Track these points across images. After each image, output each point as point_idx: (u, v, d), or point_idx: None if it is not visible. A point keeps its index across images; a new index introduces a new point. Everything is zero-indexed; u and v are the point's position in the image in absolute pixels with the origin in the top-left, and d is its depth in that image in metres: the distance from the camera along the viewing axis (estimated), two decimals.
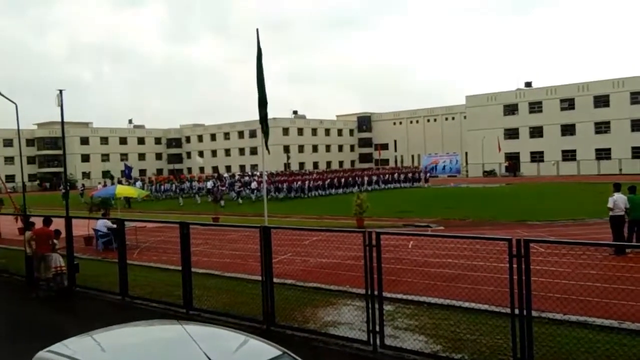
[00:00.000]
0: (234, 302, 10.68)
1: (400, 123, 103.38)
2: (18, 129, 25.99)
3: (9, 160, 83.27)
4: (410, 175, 55.75)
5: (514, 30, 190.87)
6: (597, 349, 7.33)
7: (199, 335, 4.15)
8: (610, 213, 15.47)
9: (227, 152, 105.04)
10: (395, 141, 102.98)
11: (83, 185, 59.04)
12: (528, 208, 28.08)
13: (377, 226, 20.81)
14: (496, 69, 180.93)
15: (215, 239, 19.14)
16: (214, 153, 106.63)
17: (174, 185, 50.05)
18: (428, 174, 59.92)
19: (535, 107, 75.17)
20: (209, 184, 45.06)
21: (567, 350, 7.33)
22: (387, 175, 53.99)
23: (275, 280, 9.44)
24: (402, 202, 35.64)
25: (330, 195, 44.90)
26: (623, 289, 10.41)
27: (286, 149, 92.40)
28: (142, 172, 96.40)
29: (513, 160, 75.00)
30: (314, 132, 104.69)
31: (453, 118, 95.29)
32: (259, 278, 9.38)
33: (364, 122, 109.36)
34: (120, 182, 51.35)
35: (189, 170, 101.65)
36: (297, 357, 4.24)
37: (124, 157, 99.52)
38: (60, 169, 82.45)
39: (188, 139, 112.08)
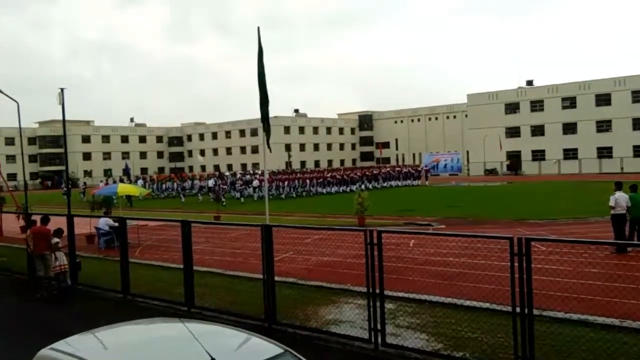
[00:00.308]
0: (235, 300, 10.70)
1: (402, 121, 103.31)
2: (20, 127, 26.06)
3: (11, 158, 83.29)
4: (411, 173, 55.75)
5: (515, 28, 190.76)
6: (598, 347, 7.34)
7: (201, 333, 4.15)
8: (612, 212, 15.46)
9: (229, 150, 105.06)
10: (396, 140, 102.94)
11: (85, 183, 59.05)
12: (529, 207, 28.07)
13: (379, 224, 20.80)
14: (497, 68, 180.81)
15: (217, 237, 19.16)
16: (215, 151, 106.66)
17: (175, 184, 50.09)
18: (428, 173, 59.87)
19: (537, 105, 75.08)
20: (211, 183, 45.07)
21: (568, 349, 7.34)
22: (387, 174, 53.97)
23: (276, 278, 9.46)
24: (403, 200, 35.65)
25: (331, 194, 44.92)
26: (624, 287, 10.42)
27: (287, 147, 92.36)
28: (144, 170, 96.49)
29: (514, 158, 74.93)
30: (315, 130, 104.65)
31: (454, 116, 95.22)
32: (261, 276, 9.40)
33: (365, 120, 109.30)
34: (122, 181, 51.38)
35: (191, 168, 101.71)
36: (298, 355, 4.25)
37: (125, 155, 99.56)
38: (62, 167, 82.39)
39: (189, 138, 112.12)
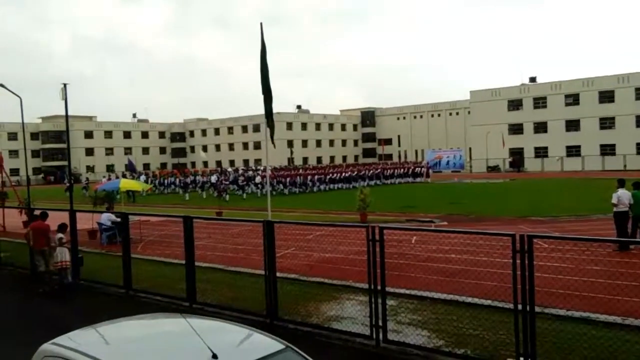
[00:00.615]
0: (237, 296, 10.72)
1: (404, 118, 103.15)
2: (22, 123, 26.11)
3: (14, 153, 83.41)
4: (413, 170, 55.74)
5: (518, 25, 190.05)
6: (600, 345, 7.33)
7: (203, 329, 4.16)
8: (614, 209, 15.41)
9: (231, 146, 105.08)
10: (399, 136, 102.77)
11: (87, 179, 59.17)
12: (532, 204, 28.03)
13: (381, 221, 20.79)
14: (500, 65, 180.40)
15: (219, 233, 19.17)
16: (217, 147, 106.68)
17: (177, 180, 50.14)
18: (429, 169, 59.85)
19: (540, 102, 74.90)
20: (213, 179, 45.08)
21: (569, 346, 7.33)
22: (390, 170, 53.98)
23: (278, 274, 9.47)
24: (405, 197, 35.64)
25: (333, 190, 44.94)
26: (626, 285, 10.41)
27: (290, 143, 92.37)
28: (146, 166, 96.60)
29: (517, 155, 74.82)
30: (318, 126, 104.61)
31: (457, 113, 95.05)
32: (262, 272, 9.41)
33: (368, 117, 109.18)
34: (124, 176, 51.44)
35: (193, 164, 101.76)
36: (300, 351, 4.25)
37: (127, 151, 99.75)
38: (65, 163, 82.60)
39: (192, 133, 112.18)
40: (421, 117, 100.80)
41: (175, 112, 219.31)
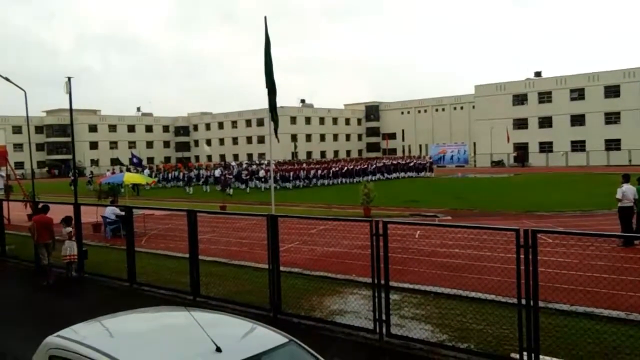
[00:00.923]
0: (240, 289, 10.74)
1: (408, 112, 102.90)
2: (27, 116, 26.12)
3: (18, 147, 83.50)
4: (416, 164, 55.67)
5: (523, 19, 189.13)
6: (604, 340, 7.32)
7: (206, 322, 4.17)
8: (619, 204, 15.37)
9: (235, 140, 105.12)
10: (403, 131, 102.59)
11: (91, 172, 59.28)
12: (536, 199, 27.97)
13: (384, 215, 20.80)
14: (505, 59, 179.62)
15: (223, 227, 19.19)
16: (221, 141, 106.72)
17: (182, 174, 50.22)
18: (432, 164, 59.74)
19: (545, 97, 74.59)
20: (217, 173, 45.13)
21: (573, 341, 7.32)
22: (394, 165, 53.90)
23: (282, 268, 9.48)
24: (409, 191, 35.59)
25: (337, 184, 44.92)
26: (631, 280, 10.39)
27: (293, 137, 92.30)
28: (150, 160, 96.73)
29: (521, 150, 74.59)
30: (322, 121, 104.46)
31: (462, 108, 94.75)
32: (266, 266, 9.43)
33: (372, 111, 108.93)
34: (128, 170, 51.54)
35: (197, 158, 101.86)
36: (303, 345, 4.26)
37: (132, 144, 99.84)
38: (69, 156, 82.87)
39: (196, 127, 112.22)
40: (425, 111, 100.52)
41: (179, 106, 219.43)
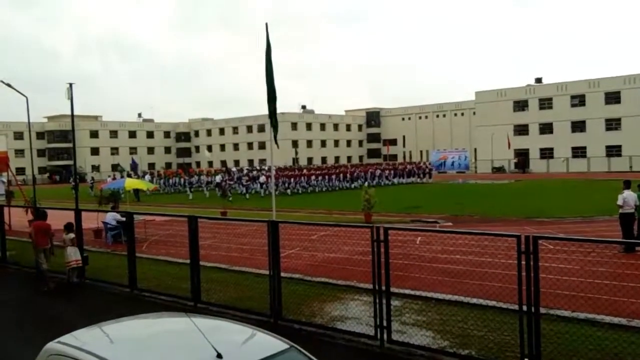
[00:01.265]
0: (241, 295, 10.73)
1: (409, 118, 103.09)
2: (28, 122, 26.22)
3: (19, 152, 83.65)
4: (417, 170, 55.70)
5: (524, 25, 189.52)
6: (606, 346, 7.30)
7: (207, 328, 4.16)
8: (620, 210, 15.37)
9: (236, 146, 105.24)
10: (403, 137, 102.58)
11: (92, 178, 59.33)
12: (537, 205, 27.93)
13: (385, 221, 20.78)
14: (506, 65, 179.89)
15: (223, 233, 19.18)
16: (222, 147, 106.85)
17: (182, 179, 50.24)
18: (433, 170, 59.74)
19: (546, 103, 74.67)
20: (218, 178, 45.15)
21: (574, 348, 7.30)
22: (394, 170, 53.91)
23: (282, 274, 9.47)
24: (410, 197, 35.59)
25: (338, 190, 44.92)
26: (632, 286, 10.37)
27: (294, 143, 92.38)
28: (151, 165, 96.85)
29: (522, 156, 74.60)
30: (323, 127, 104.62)
31: (462, 114, 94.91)
32: (267, 272, 9.42)
33: (373, 117, 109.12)
34: (129, 176, 51.56)
35: (198, 164, 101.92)
36: (304, 351, 4.24)
37: (133, 150, 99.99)
38: (70, 162, 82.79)
39: (197, 133, 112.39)
40: (426, 117, 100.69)
41: (180, 111, 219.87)
